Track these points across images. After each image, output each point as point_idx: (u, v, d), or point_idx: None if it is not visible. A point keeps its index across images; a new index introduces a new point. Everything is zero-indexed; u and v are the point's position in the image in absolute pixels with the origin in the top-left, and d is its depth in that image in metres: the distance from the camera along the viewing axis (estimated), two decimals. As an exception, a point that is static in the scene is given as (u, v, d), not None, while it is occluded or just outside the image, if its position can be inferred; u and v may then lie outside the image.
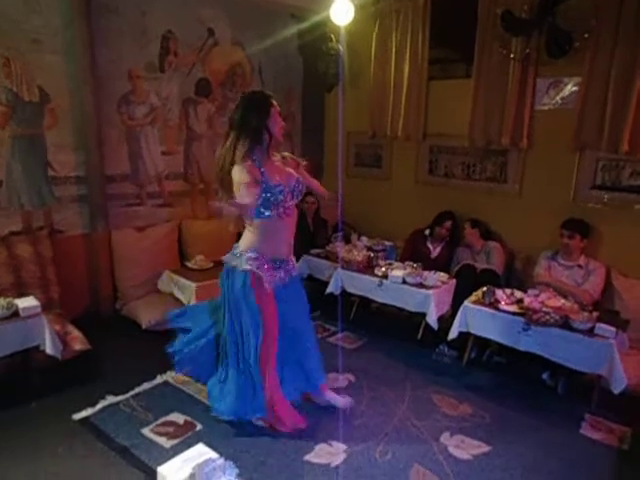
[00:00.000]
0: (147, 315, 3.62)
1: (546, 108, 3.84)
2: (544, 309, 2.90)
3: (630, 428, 2.67)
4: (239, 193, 2.12)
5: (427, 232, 4.26)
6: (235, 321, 2.43)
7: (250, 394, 2.45)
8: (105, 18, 3.60)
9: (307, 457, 2.35)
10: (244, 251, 2.36)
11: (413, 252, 4.25)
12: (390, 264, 3.82)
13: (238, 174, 2.16)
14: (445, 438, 2.54)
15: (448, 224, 4.16)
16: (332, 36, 4.66)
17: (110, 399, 2.76)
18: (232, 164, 2.20)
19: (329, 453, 2.39)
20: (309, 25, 4.67)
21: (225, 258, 2.44)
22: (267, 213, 2.24)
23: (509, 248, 4.08)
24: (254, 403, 2.45)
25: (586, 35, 3.46)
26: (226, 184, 2.24)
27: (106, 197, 3.77)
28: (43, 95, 3.40)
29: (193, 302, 3.43)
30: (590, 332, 2.79)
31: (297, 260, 4.27)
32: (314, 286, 4.07)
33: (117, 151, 3.86)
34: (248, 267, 2.32)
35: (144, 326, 3.59)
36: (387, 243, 4.54)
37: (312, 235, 4.61)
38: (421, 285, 3.48)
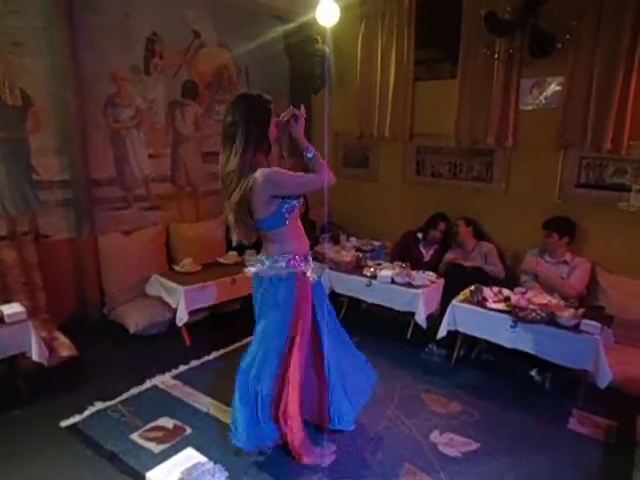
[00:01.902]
0: (135, 319, 3.59)
1: (530, 108, 3.89)
2: (531, 306, 2.94)
3: (616, 422, 2.71)
4: (296, 182, 2.10)
5: (420, 236, 4.25)
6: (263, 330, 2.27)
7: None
8: (87, 19, 3.57)
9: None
10: (277, 256, 2.19)
11: (405, 255, 4.18)
12: (379, 264, 3.83)
13: (275, 175, 2.03)
14: (435, 436, 2.56)
15: (442, 226, 4.15)
16: (318, 38, 4.67)
17: (98, 405, 2.73)
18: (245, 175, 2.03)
19: (319, 454, 2.38)
20: (295, 27, 4.67)
21: (256, 272, 2.23)
22: (288, 217, 2.15)
23: (498, 247, 4.11)
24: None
25: (568, 36, 3.51)
26: (245, 200, 2.05)
27: (92, 201, 3.73)
28: (25, 98, 3.36)
29: (182, 305, 3.42)
30: (576, 328, 2.83)
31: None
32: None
33: (103, 154, 3.82)
34: (290, 269, 2.18)
35: (132, 330, 3.56)
36: (376, 243, 4.56)
37: (301, 236, 4.59)
38: (410, 285, 3.50)
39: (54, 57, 3.41)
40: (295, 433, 2.24)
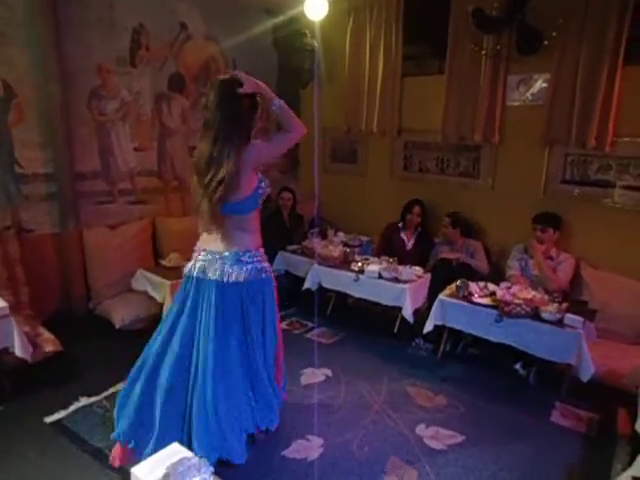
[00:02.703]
0: (121, 314, 3.56)
1: (517, 104, 3.92)
2: (515, 301, 2.97)
3: (598, 415, 2.76)
4: (271, 147, 2.17)
5: (400, 225, 4.31)
6: (248, 335, 2.21)
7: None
8: (72, 10, 3.49)
9: (284, 452, 2.36)
10: (249, 256, 2.17)
11: (388, 245, 4.31)
12: (366, 259, 3.85)
13: (253, 150, 2.07)
14: (420, 430, 2.59)
15: (417, 209, 4.21)
16: (307, 31, 4.65)
17: (83, 401, 2.71)
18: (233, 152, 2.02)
19: (306, 448, 2.40)
20: (283, 20, 4.64)
21: (227, 275, 2.12)
22: (260, 202, 2.20)
23: (484, 244, 4.14)
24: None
25: (554, 33, 3.53)
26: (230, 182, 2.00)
27: (76, 195, 3.68)
28: (8, 90, 3.29)
29: (168, 300, 3.39)
30: (559, 323, 2.87)
31: (273, 256, 4.32)
32: (291, 282, 4.08)
33: (87, 147, 3.77)
34: (267, 272, 2.24)
35: (118, 325, 3.53)
36: (364, 238, 4.57)
37: (288, 231, 4.60)
38: (397, 280, 3.52)
39: (38, 48, 3.34)
40: None
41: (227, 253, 2.14)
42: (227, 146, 2.01)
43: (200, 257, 2.19)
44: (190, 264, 2.23)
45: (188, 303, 2.19)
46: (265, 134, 2.19)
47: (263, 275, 2.22)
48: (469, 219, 4.14)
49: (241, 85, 2.04)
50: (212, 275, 2.13)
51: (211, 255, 2.16)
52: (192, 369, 2.15)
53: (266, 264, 2.26)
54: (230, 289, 2.13)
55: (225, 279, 2.12)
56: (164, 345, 2.19)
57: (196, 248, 2.25)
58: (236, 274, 2.12)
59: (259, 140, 2.15)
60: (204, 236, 2.21)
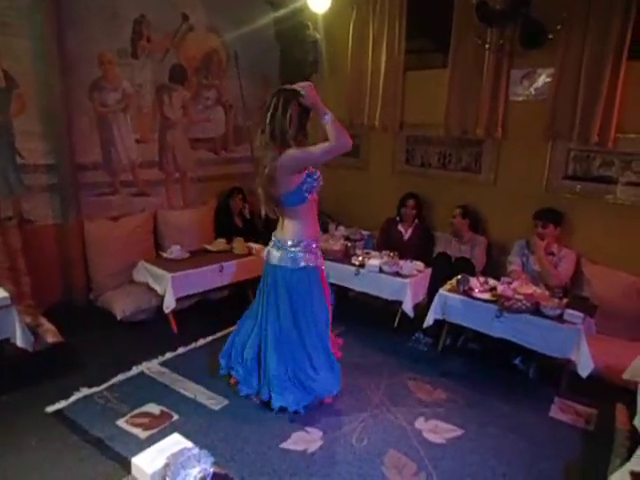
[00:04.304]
0: (122, 306, 3.57)
1: (520, 99, 3.90)
2: (516, 296, 2.97)
3: (596, 410, 2.77)
4: (313, 156, 2.36)
5: (398, 218, 4.34)
6: (300, 314, 2.56)
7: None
8: (73, 0, 3.48)
9: (284, 445, 2.37)
10: (294, 244, 2.50)
11: (387, 238, 4.34)
12: (367, 253, 3.85)
13: (294, 156, 2.34)
14: (420, 423, 2.60)
15: (411, 202, 4.25)
16: (309, 24, 4.62)
17: (84, 391, 2.72)
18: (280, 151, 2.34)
19: (306, 440, 2.41)
20: (286, 12, 4.61)
21: (272, 259, 2.55)
22: (308, 197, 2.45)
23: (489, 240, 4.12)
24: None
25: (559, 27, 3.51)
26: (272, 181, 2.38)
27: (78, 186, 3.68)
28: (10, 80, 3.29)
29: (169, 292, 3.40)
30: (559, 318, 2.87)
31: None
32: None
33: (89, 138, 3.76)
34: (311, 263, 2.52)
35: (119, 317, 3.54)
36: (365, 232, 4.57)
37: (290, 225, 4.59)
38: (397, 274, 3.52)
39: (39, 38, 3.33)
40: None
41: (280, 239, 2.53)
42: (271, 151, 2.35)
43: (270, 242, 2.61)
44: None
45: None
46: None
47: (302, 264, 2.51)
48: (479, 214, 4.12)
49: (301, 96, 2.32)
50: (270, 258, 2.56)
51: (274, 239, 2.58)
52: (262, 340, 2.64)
53: (309, 254, 2.52)
54: (278, 272, 2.53)
55: (274, 262, 2.54)
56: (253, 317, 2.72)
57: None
58: (278, 259, 2.52)
59: (293, 149, 2.34)
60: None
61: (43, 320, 3.10)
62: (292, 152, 2.33)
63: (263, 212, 2.57)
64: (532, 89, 3.83)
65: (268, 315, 2.60)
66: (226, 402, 2.70)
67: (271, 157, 2.34)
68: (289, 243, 2.50)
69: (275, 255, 2.54)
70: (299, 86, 2.35)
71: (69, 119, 3.54)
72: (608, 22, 3.31)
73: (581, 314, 2.83)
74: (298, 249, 2.50)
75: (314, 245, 2.56)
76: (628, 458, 2.08)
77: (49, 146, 3.53)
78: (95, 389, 2.75)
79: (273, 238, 2.60)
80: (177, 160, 4.40)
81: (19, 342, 2.66)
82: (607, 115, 3.44)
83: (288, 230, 2.52)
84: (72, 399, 2.65)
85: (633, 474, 1.63)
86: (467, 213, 4.04)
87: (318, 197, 2.57)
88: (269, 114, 2.34)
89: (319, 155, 2.36)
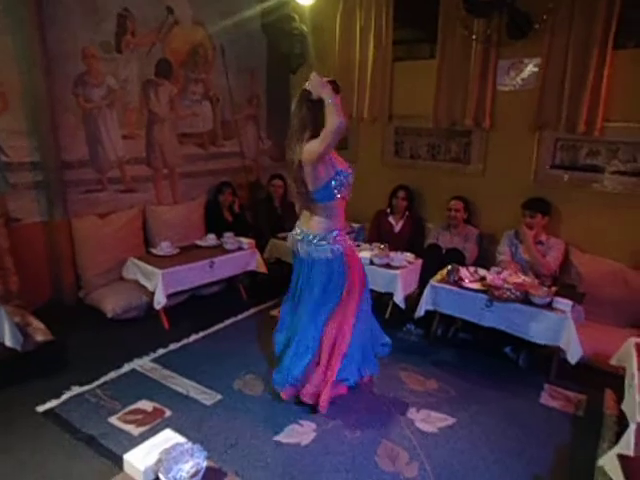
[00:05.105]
0: (112, 303, 3.54)
1: (507, 89, 3.91)
2: (506, 285, 3.00)
3: (585, 396, 2.81)
4: (321, 142, 2.30)
5: (388, 210, 4.36)
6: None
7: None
8: (55, -5, 3.43)
9: (277, 438, 2.38)
10: (323, 236, 2.49)
11: (378, 230, 4.35)
12: (358, 245, 3.85)
13: (307, 149, 2.34)
14: (412, 413, 2.62)
15: (402, 194, 4.27)
16: (296, 16, 4.58)
17: (75, 389, 2.70)
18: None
19: (299, 433, 2.42)
20: (272, 4, 4.57)
21: (302, 252, 2.54)
22: (338, 195, 2.45)
23: (480, 231, 4.13)
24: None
25: (545, 17, 3.52)
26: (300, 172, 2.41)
27: (64, 183, 3.64)
28: (-9, 77, 3.23)
29: (159, 289, 3.38)
30: (548, 306, 2.91)
31: (265, 244, 4.29)
32: (282, 270, 4.07)
33: (74, 135, 3.71)
34: (339, 246, 2.50)
35: (109, 315, 3.52)
36: (355, 225, 4.57)
37: (280, 218, 4.58)
38: (388, 266, 3.53)
39: (20, 34, 3.27)
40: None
41: (305, 233, 2.53)
42: (295, 147, 2.39)
43: (295, 233, 2.61)
44: None
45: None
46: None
47: (330, 255, 2.50)
48: (469, 205, 4.14)
49: (308, 91, 2.36)
50: (299, 249, 2.57)
51: (299, 231, 2.58)
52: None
53: (335, 246, 2.50)
54: (304, 263, 2.57)
55: (301, 254, 2.57)
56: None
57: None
58: (304, 251, 2.53)
59: (308, 142, 2.34)
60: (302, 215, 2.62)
61: (32, 319, 3.07)
62: (307, 146, 2.34)
63: (297, 208, 2.65)
64: (519, 79, 3.85)
65: (316, 308, 2.57)
66: (219, 397, 2.70)
67: (296, 153, 2.38)
68: (317, 238, 2.50)
69: (304, 249, 2.54)
70: (308, 86, 2.39)
71: (54, 116, 3.49)
72: (593, 12, 3.33)
73: (569, 302, 2.87)
74: (324, 242, 2.50)
75: (338, 237, 2.54)
76: (616, 442, 2.11)
77: (34, 143, 3.47)
78: (86, 387, 2.73)
79: (298, 230, 2.59)
80: (165, 156, 4.36)
81: (8, 342, 2.64)
82: (593, 104, 3.46)
83: (313, 224, 2.52)
84: (63, 398, 2.63)
85: (620, 457, 1.66)
86: (467, 205, 4.05)
87: (346, 197, 2.55)
88: (292, 114, 2.42)
89: (319, 143, 2.31)
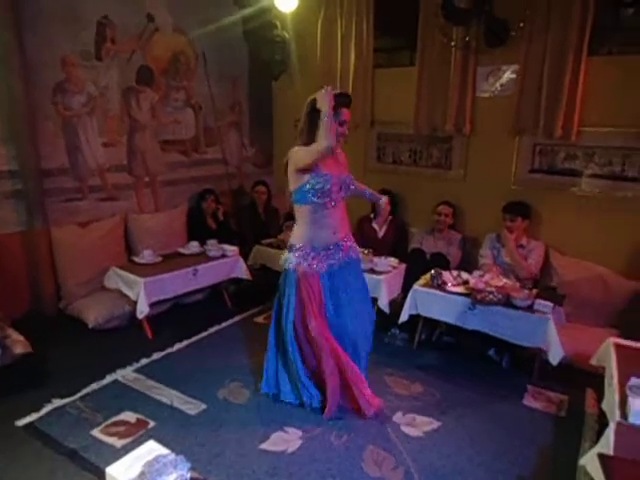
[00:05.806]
0: (93, 313, 3.49)
1: (487, 95, 3.98)
2: (488, 289, 3.04)
3: (567, 396, 2.86)
4: (303, 155, 2.37)
5: (372, 215, 4.35)
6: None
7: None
8: (32, 1, 3.37)
9: (263, 446, 2.37)
10: (292, 245, 2.54)
11: (361, 236, 4.32)
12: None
13: (293, 154, 2.43)
14: (398, 417, 2.63)
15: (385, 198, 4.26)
16: (277, 23, 4.60)
17: (56, 402, 2.65)
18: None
19: (285, 440, 2.41)
20: (253, 12, 4.57)
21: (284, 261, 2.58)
22: (314, 199, 2.41)
23: (463, 236, 4.18)
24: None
25: (521, 24, 3.59)
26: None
27: (43, 192, 3.58)
28: (-33, 84, 3.17)
29: (142, 298, 3.34)
30: (530, 308, 2.95)
31: (249, 250, 4.27)
32: (267, 276, 4.06)
33: (53, 143, 3.66)
34: (293, 264, 2.50)
35: (91, 325, 3.46)
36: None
37: (264, 224, 4.58)
38: (372, 271, 3.55)
39: (-3, 41, 3.23)
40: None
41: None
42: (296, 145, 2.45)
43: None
44: None
45: None
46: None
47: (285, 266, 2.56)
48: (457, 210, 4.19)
49: (315, 101, 2.36)
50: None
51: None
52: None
53: (295, 257, 2.51)
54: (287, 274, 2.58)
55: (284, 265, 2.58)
56: None
57: None
58: (284, 261, 2.57)
59: (303, 147, 2.39)
60: None
61: (11, 331, 2.99)
62: (296, 150, 2.42)
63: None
64: (498, 85, 3.92)
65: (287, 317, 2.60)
66: (203, 407, 2.67)
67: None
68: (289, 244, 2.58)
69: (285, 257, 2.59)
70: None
71: (32, 123, 3.44)
72: (568, 19, 3.41)
73: (550, 304, 2.91)
74: (293, 251, 2.53)
75: (308, 250, 2.49)
76: (597, 441, 2.14)
77: (12, 151, 3.41)
78: (67, 400, 2.68)
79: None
80: (147, 163, 4.32)
81: (-15, 355, 2.58)
82: (570, 109, 3.54)
83: (293, 230, 2.59)
84: (44, 411, 2.57)
85: (600, 457, 1.68)
86: (455, 210, 4.09)
87: (329, 204, 2.47)
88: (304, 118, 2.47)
89: (304, 157, 2.36)
